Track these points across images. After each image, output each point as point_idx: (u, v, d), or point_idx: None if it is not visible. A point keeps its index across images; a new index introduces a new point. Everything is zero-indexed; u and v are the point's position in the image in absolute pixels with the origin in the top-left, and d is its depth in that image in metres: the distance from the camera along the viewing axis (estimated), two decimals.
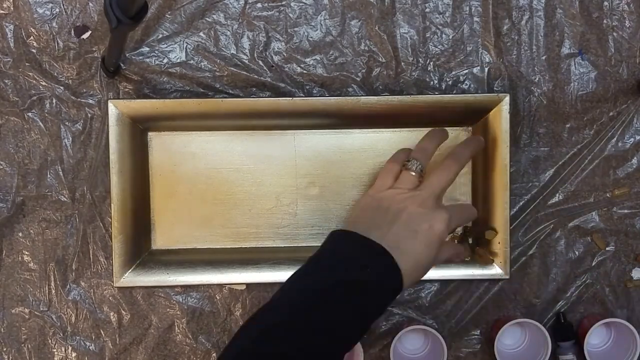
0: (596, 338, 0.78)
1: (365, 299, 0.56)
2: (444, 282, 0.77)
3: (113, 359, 0.77)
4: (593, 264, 0.78)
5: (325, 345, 0.55)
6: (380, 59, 0.76)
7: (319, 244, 0.76)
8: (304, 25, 0.76)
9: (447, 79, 0.76)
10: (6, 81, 0.75)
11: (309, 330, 0.54)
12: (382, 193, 0.64)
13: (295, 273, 0.60)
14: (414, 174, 0.65)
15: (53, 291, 0.77)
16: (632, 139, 0.77)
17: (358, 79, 0.76)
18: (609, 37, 0.76)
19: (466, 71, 0.76)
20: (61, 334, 0.77)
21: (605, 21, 0.76)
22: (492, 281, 0.77)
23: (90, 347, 0.77)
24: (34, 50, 0.75)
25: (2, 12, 0.75)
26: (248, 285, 0.77)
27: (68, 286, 0.77)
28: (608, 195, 0.77)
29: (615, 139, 0.77)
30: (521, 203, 0.77)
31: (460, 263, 0.75)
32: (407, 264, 0.57)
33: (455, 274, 0.75)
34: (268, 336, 0.54)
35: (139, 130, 0.75)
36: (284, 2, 0.76)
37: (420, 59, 0.76)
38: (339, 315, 0.55)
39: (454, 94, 0.76)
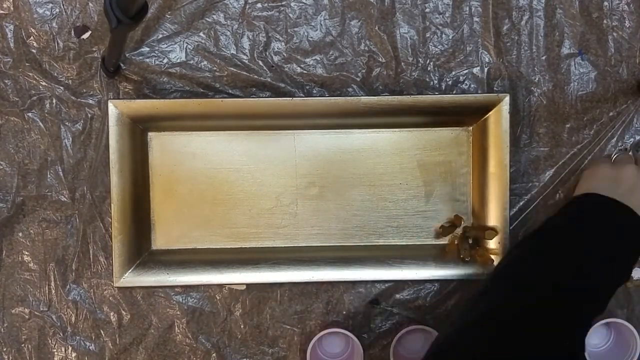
0: (596, 338, 0.78)
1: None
2: (444, 282, 0.77)
3: (113, 359, 0.77)
4: None
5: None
6: (380, 59, 0.76)
7: (319, 244, 0.77)
8: (304, 25, 0.76)
9: (447, 79, 0.76)
10: (6, 81, 0.75)
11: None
12: (623, 166, 0.70)
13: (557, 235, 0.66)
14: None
15: (53, 291, 0.77)
16: (632, 139, 0.77)
17: (358, 79, 0.76)
18: (609, 37, 0.76)
19: (466, 71, 0.76)
20: (61, 334, 0.77)
21: (605, 21, 0.76)
22: None
23: (90, 347, 0.77)
24: (34, 50, 0.75)
25: (2, 12, 0.75)
26: (248, 285, 0.77)
27: (68, 286, 0.77)
28: None
29: (615, 139, 0.77)
30: (521, 203, 0.77)
31: (460, 263, 0.75)
32: None
33: (455, 274, 0.75)
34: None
35: (139, 130, 0.75)
36: (284, 2, 0.76)
37: (420, 59, 0.76)
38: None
39: (454, 94, 0.76)
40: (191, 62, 0.76)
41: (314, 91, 0.76)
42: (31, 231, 0.76)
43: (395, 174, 0.77)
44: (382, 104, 0.73)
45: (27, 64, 0.75)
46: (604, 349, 0.78)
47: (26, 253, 0.76)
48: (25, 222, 0.76)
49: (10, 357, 0.77)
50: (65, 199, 0.76)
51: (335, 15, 0.76)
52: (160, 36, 0.76)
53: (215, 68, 0.76)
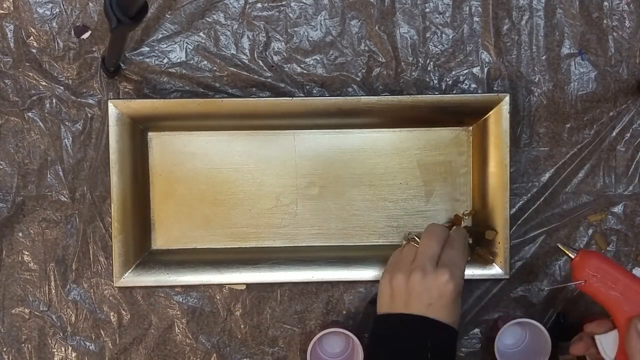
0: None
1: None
2: None
3: (113, 359, 0.77)
4: None
5: None
6: (380, 59, 0.76)
7: (319, 244, 0.77)
8: (304, 25, 0.76)
9: (447, 79, 0.77)
10: (6, 81, 0.75)
11: None
12: (393, 273, 0.66)
13: None
14: (415, 245, 0.68)
15: (53, 291, 0.77)
16: (632, 139, 0.77)
17: (358, 79, 0.76)
18: (609, 37, 0.76)
19: (466, 71, 0.77)
20: (61, 334, 0.77)
21: (605, 21, 0.76)
22: (492, 281, 0.77)
23: (90, 347, 0.77)
24: (34, 50, 0.75)
25: (2, 12, 0.75)
26: (248, 285, 0.77)
27: (68, 286, 0.77)
28: (609, 194, 0.77)
29: (615, 139, 0.77)
30: (521, 203, 0.77)
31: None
32: (449, 319, 0.63)
33: None
34: None
35: (139, 130, 0.75)
36: (284, 2, 0.76)
37: (420, 59, 0.76)
38: None
39: (454, 94, 0.76)
40: (191, 62, 0.76)
41: (314, 91, 0.76)
42: (31, 231, 0.76)
43: (395, 174, 0.77)
44: (382, 104, 0.73)
45: (27, 64, 0.75)
46: None
47: (26, 253, 0.76)
48: (25, 222, 0.76)
49: (10, 357, 0.77)
50: (65, 199, 0.76)
51: (335, 15, 0.76)
52: (160, 36, 0.76)
53: (215, 68, 0.76)
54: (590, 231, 0.77)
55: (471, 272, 0.75)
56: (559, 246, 0.67)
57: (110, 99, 0.74)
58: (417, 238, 0.69)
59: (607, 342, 0.63)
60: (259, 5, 0.76)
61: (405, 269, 0.65)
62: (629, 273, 0.63)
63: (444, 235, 0.67)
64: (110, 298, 0.77)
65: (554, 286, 0.69)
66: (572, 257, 0.65)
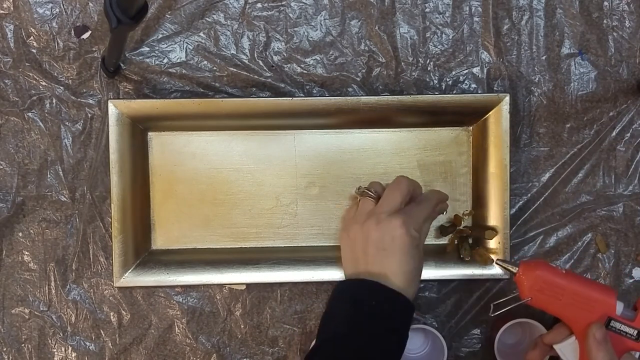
0: None
1: (384, 328, 0.60)
2: (444, 282, 0.77)
3: (113, 359, 0.77)
4: (593, 264, 0.78)
5: None
6: (380, 59, 0.76)
7: (319, 244, 0.77)
8: (304, 25, 0.76)
9: (447, 79, 0.77)
10: (6, 81, 0.75)
11: None
12: (349, 227, 0.67)
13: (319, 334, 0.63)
14: (369, 199, 0.68)
15: (53, 291, 0.77)
16: (632, 139, 0.77)
17: (358, 79, 0.76)
18: (609, 37, 0.76)
19: (466, 71, 0.77)
20: (61, 334, 0.77)
21: (605, 21, 0.76)
22: (492, 281, 0.77)
23: (90, 347, 0.77)
24: (34, 50, 0.75)
25: (2, 12, 0.75)
26: (248, 285, 0.77)
27: (68, 286, 0.77)
28: (609, 194, 0.77)
29: (615, 139, 0.77)
30: (521, 203, 0.77)
31: (460, 263, 0.75)
32: (399, 280, 0.61)
33: (455, 273, 0.75)
34: None
35: (139, 130, 0.75)
36: (284, 2, 0.76)
37: (420, 59, 0.76)
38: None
39: (454, 94, 0.76)
40: (191, 62, 0.76)
41: (314, 91, 0.76)
42: (31, 231, 0.76)
43: (395, 173, 0.76)
44: (382, 104, 0.73)
45: (27, 64, 0.75)
46: None
47: (26, 253, 0.76)
48: (25, 222, 0.76)
49: (10, 357, 0.77)
50: (65, 199, 0.76)
51: (335, 15, 0.76)
52: (160, 36, 0.76)
53: (215, 68, 0.76)
54: (590, 232, 0.77)
55: (471, 272, 0.75)
56: (497, 263, 0.64)
57: (110, 99, 0.74)
58: (370, 192, 0.68)
59: (567, 350, 0.61)
60: (259, 5, 0.76)
61: (362, 219, 0.65)
62: (575, 277, 0.60)
63: (409, 190, 0.66)
64: (110, 298, 0.77)
65: (496, 312, 0.65)
66: (514, 272, 0.62)
